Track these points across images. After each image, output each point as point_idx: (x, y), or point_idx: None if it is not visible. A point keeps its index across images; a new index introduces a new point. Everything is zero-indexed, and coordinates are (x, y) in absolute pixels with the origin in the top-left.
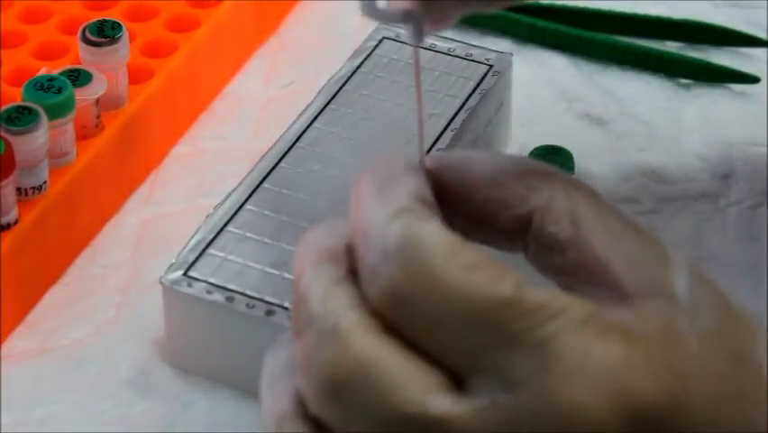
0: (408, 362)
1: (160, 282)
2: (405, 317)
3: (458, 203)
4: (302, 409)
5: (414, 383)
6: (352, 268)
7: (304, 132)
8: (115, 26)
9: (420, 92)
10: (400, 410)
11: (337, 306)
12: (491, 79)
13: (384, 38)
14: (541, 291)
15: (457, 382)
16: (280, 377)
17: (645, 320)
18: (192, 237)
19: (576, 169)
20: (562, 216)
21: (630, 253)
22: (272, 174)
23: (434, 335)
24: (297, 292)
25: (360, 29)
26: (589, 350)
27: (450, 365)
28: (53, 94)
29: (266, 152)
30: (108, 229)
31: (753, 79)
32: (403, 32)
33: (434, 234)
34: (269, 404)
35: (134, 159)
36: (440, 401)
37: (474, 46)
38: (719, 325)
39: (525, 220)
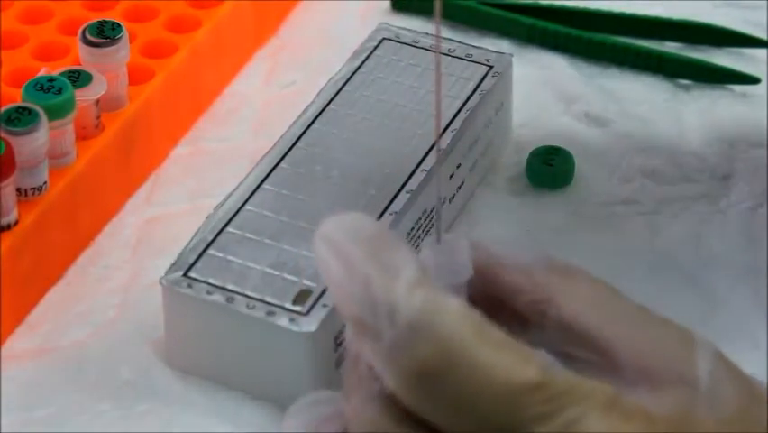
0: None
1: (161, 283)
2: (431, 393)
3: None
4: None
5: None
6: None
7: (304, 132)
8: (115, 27)
9: (439, 91)
10: None
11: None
12: (491, 80)
13: (384, 39)
14: (566, 375)
15: None
16: None
17: (666, 405)
18: (192, 238)
19: (576, 169)
20: (582, 304)
21: (651, 339)
22: (272, 175)
23: (460, 413)
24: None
25: (360, 29)
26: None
27: None
28: (53, 94)
29: (266, 153)
30: (108, 230)
31: (753, 80)
32: (403, 32)
33: (459, 307)
34: None
35: (135, 159)
36: None
37: (474, 47)
38: (739, 410)
39: (542, 307)
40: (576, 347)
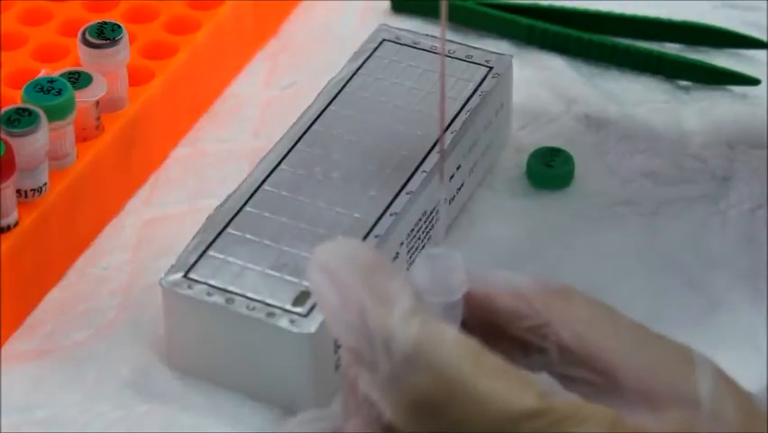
0: None
1: (160, 284)
2: (430, 424)
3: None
4: None
5: None
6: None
7: (304, 133)
8: (115, 28)
9: (444, 90)
10: None
11: None
12: (491, 81)
13: (384, 40)
14: (567, 399)
15: None
16: None
17: (668, 426)
18: (192, 239)
19: (576, 170)
20: (581, 326)
21: (651, 359)
22: (272, 176)
23: None
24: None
25: (360, 30)
26: None
27: None
28: (53, 96)
29: (266, 154)
30: (108, 231)
31: (752, 81)
32: (403, 33)
33: (455, 336)
34: None
35: (135, 161)
36: None
37: (474, 48)
38: (741, 428)
39: (541, 331)
40: (577, 369)
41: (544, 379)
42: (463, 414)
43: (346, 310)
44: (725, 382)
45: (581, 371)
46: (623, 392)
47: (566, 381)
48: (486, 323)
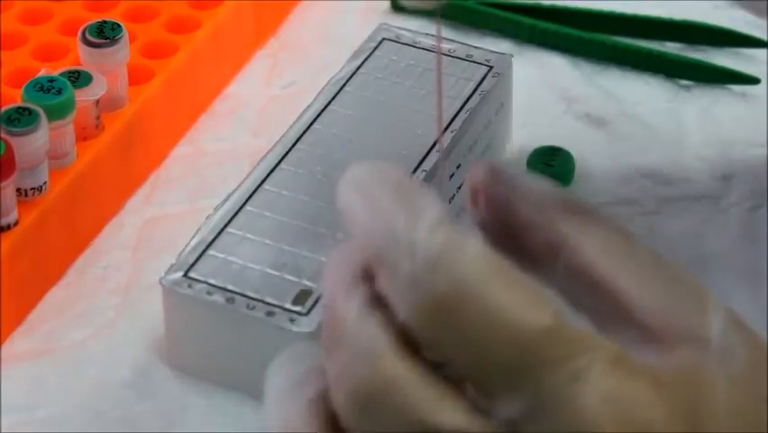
0: (432, 384)
1: (160, 283)
2: (442, 329)
3: (492, 217)
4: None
5: (435, 403)
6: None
7: (304, 133)
8: (115, 27)
9: (441, 85)
10: (420, 427)
11: (370, 328)
12: (491, 80)
13: (384, 39)
14: (578, 323)
15: (480, 403)
16: (292, 393)
17: (675, 365)
18: (192, 238)
19: (576, 170)
20: (595, 251)
21: (663, 294)
22: (272, 175)
23: (469, 348)
24: (332, 312)
25: (360, 30)
26: (619, 389)
27: (478, 383)
28: (53, 95)
29: (266, 153)
30: (108, 230)
31: (753, 80)
32: (403, 32)
33: (479, 248)
34: (280, 418)
35: (135, 160)
36: (457, 419)
37: (474, 47)
38: (751, 369)
39: (554, 248)
40: (584, 296)
41: (556, 300)
42: (477, 324)
43: (375, 220)
44: (736, 322)
45: (587, 298)
46: (628, 325)
47: (573, 306)
48: (503, 226)
